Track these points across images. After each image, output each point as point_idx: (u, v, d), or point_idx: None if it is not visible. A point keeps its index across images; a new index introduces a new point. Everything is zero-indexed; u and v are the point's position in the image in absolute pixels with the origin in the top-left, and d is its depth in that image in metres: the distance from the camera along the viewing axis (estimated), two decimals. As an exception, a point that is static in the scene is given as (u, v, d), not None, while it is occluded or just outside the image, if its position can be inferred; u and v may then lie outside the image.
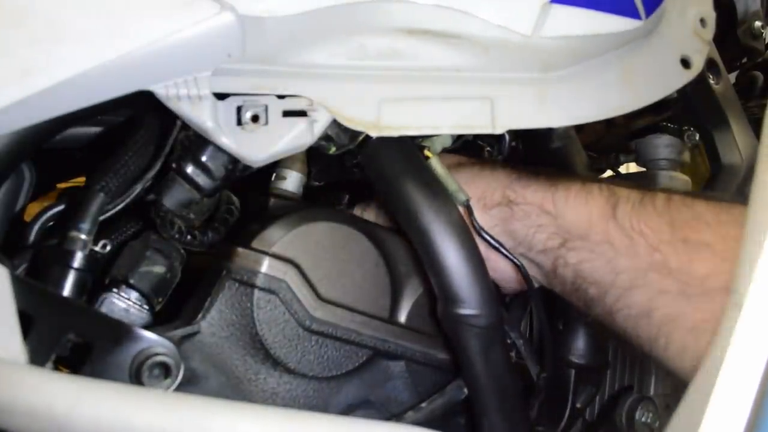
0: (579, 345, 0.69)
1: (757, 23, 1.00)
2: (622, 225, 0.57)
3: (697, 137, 0.87)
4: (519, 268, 0.64)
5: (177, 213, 0.60)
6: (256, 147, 0.53)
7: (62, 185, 0.82)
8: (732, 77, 0.97)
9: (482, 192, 0.64)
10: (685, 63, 0.67)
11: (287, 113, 0.54)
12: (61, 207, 0.66)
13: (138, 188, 0.59)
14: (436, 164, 0.60)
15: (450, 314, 0.57)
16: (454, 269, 0.56)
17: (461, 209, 0.61)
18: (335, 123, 0.55)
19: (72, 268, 0.55)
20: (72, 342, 0.50)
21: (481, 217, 0.63)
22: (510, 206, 0.64)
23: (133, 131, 0.61)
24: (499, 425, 0.59)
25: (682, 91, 0.71)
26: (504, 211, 0.64)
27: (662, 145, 0.85)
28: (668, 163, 0.85)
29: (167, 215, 0.59)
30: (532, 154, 0.78)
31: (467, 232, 0.58)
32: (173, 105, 0.50)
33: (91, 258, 0.56)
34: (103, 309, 0.56)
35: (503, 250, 0.63)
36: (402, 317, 0.66)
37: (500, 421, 0.59)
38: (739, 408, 0.40)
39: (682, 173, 0.87)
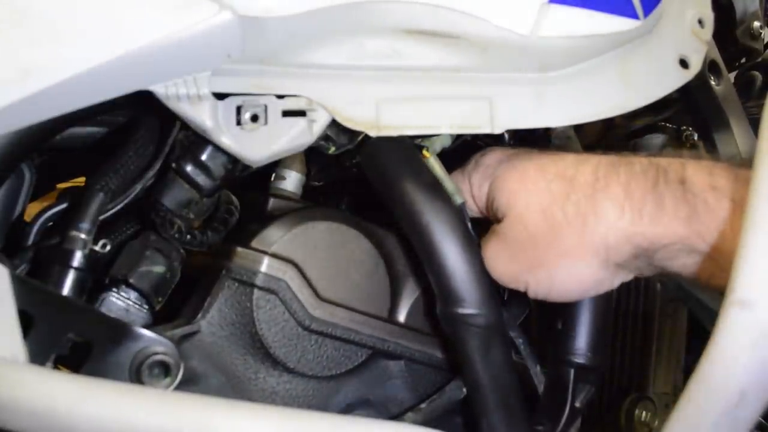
0: (578, 344, 0.69)
1: (756, 23, 1.00)
2: None
3: (695, 137, 0.87)
4: None
5: (176, 213, 0.60)
6: (256, 147, 0.54)
7: (62, 185, 0.82)
8: (731, 77, 0.97)
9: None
10: (684, 63, 0.67)
11: (286, 113, 0.54)
12: (61, 207, 0.66)
13: (138, 188, 0.59)
14: (435, 164, 0.60)
15: (449, 314, 0.57)
16: (454, 269, 0.56)
17: None
18: (334, 123, 0.56)
19: (72, 267, 0.55)
20: (72, 341, 0.50)
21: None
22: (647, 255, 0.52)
23: (133, 131, 0.61)
24: (498, 425, 0.59)
25: (684, 92, 0.71)
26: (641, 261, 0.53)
27: (660, 145, 0.85)
28: (667, 162, 0.85)
29: (167, 215, 0.59)
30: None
31: (466, 232, 0.58)
32: (173, 105, 0.51)
33: (91, 257, 0.56)
34: (103, 308, 0.56)
35: None
36: (401, 317, 0.66)
37: (499, 421, 0.59)
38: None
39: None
